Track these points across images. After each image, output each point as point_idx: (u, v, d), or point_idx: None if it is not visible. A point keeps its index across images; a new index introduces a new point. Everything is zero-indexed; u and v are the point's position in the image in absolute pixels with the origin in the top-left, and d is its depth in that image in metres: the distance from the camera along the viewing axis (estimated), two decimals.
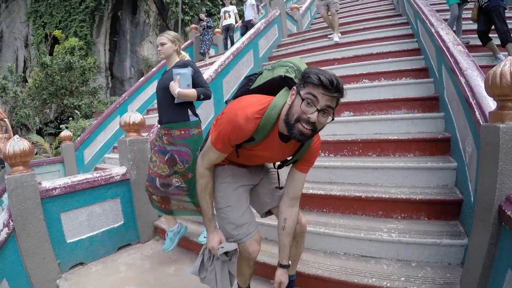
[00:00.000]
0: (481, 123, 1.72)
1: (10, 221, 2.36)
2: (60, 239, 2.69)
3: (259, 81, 1.49)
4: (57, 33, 15.03)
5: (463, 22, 5.14)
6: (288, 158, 1.55)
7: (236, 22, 9.25)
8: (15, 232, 2.37)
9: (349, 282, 1.91)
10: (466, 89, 2.09)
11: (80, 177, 2.84)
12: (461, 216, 2.19)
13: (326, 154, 3.22)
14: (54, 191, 2.62)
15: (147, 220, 3.21)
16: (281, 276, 1.58)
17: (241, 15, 9.58)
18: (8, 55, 17.34)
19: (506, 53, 4.14)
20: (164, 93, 2.43)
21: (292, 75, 1.37)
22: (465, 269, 1.77)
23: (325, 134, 3.41)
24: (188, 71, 2.37)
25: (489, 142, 1.48)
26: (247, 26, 8.39)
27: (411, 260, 2.05)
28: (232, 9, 9.23)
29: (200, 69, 2.59)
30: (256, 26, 6.21)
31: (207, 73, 4.48)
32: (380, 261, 2.10)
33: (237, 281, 1.80)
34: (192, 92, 2.35)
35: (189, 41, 9.53)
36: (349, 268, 2.04)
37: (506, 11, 4.40)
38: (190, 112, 2.44)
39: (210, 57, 8.86)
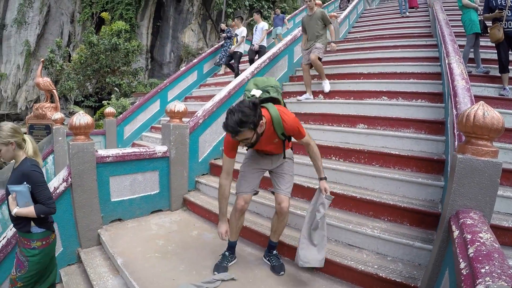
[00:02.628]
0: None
1: (69, 177, 2.95)
2: (106, 197, 3.29)
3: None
4: (104, 15, 16.03)
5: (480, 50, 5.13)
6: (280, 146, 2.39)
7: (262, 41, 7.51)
8: (71, 187, 2.97)
9: (332, 260, 2.41)
10: (455, 120, 2.46)
11: (129, 150, 3.45)
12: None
13: (336, 159, 3.67)
14: (107, 158, 3.23)
15: (178, 192, 3.82)
16: (323, 184, 2.41)
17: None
18: (54, 29, 18.59)
19: None
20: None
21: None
22: (426, 268, 2.15)
23: (338, 142, 3.90)
24: (24, 188, 2.07)
25: (452, 167, 1.89)
26: (255, 51, 7.42)
27: (388, 255, 2.48)
28: (240, 32, 7.74)
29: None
30: (293, 33, 6.56)
31: (245, 74, 5.01)
32: (362, 251, 2.56)
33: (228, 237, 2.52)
34: (31, 212, 2.10)
35: (220, 43, 9.15)
36: (335, 251, 2.53)
37: None
38: (33, 223, 2.18)
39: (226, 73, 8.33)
